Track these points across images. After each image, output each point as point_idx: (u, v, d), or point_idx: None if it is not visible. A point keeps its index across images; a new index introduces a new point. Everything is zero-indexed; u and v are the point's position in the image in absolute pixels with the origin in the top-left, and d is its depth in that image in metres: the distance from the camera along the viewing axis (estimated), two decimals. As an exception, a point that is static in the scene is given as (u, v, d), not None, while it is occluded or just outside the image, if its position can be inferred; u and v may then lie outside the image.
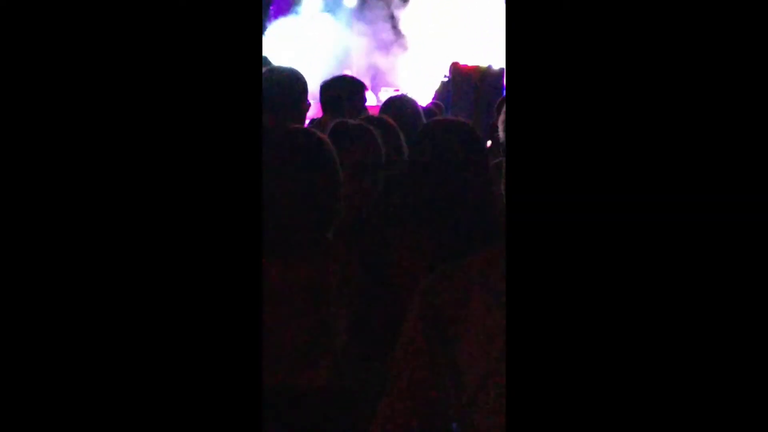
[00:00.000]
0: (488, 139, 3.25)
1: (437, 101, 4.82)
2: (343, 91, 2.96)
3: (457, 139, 1.88)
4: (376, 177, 2.04)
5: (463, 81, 5.29)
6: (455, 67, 5.79)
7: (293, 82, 2.61)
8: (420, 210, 1.90)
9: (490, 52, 9.87)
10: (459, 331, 0.97)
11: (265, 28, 9.08)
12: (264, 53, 3.09)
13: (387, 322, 1.46)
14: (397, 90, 9.94)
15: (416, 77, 10.46)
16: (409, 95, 9.16)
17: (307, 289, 1.64)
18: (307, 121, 2.85)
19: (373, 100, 9.53)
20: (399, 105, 2.94)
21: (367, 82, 9.91)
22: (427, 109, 3.75)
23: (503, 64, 8.63)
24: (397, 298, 1.59)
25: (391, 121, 2.20)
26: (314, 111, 3.56)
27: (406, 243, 1.85)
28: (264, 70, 2.47)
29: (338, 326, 1.65)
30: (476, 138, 1.93)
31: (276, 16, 9.91)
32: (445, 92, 6.12)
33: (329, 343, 1.64)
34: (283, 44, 8.88)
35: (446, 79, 6.65)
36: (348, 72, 7.43)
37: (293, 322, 1.61)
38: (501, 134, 0.98)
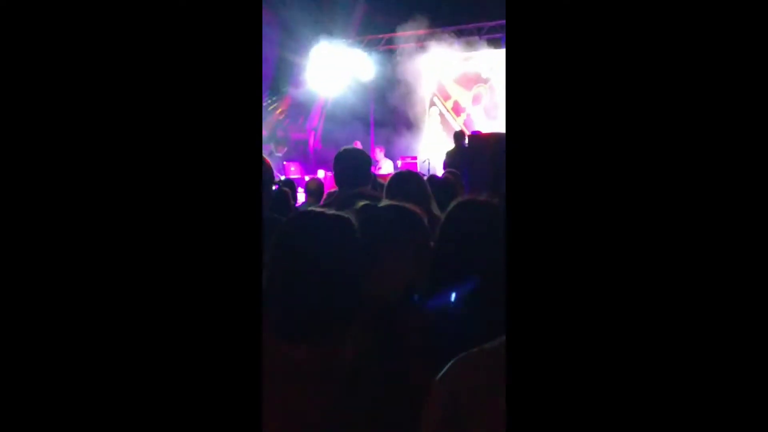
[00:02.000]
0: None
1: (453, 170, 4.81)
2: (354, 163, 2.98)
3: (483, 222, 1.83)
4: (421, 258, 2.00)
5: (481, 148, 5.29)
6: (473, 135, 5.82)
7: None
8: (443, 297, 1.84)
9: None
10: (479, 419, 0.92)
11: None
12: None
13: (400, 415, 1.38)
14: (415, 158, 10.07)
15: (437, 145, 10.60)
16: (428, 163, 9.43)
17: (317, 373, 1.57)
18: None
19: (390, 167, 9.65)
20: (406, 178, 2.96)
21: (387, 149, 10.18)
22: (444, 179, 3.74)
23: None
24: (415, 391, 1.52)
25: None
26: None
27: (427, 331, 1.78)
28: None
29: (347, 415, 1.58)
30: (497, 216, 1.88)
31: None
32: (460, 159, 6.13)
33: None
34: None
35: (464, 147, 6.69)
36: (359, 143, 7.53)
37: (299, 405, 1.54)
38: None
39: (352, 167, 2.92)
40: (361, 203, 2.10)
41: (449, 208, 1.93)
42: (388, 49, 11.01)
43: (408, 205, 2.15)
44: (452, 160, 6.75)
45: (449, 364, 1.00)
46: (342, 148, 3.12)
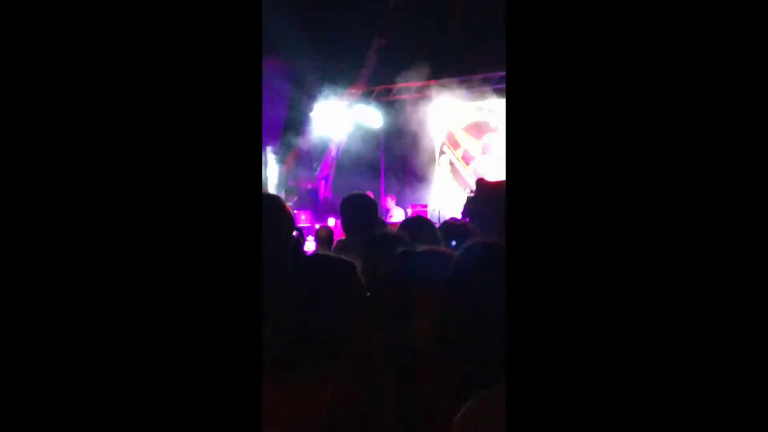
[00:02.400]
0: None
1: (465, 220, 4.82)
2: (361, 210, 2.99)
3: (490, 262, 1.82)
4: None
5: (489, 195, 5.30)
6: (481, 182, 5.84)
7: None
8: (450, 337, 1.82)
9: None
10: None
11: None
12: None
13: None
14: (425, 206, 10.10)
15: (446, 194, 10.63)
16: (437, 212, 9.44)
17: (306, 418, 1.54)
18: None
19: (401, 215, 9.68)
20: (417, 223, 2.96)
21: (397, 198, 10.23)
22: (460, 222, 3.71)
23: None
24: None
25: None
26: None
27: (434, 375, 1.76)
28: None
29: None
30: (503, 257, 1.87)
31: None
32: (472, 207, 6.15)
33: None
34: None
35: (472, 194, 6.71)
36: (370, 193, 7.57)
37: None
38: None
39: (359, 214, 2.93)
40: (401, 249, 2.11)
41: (460, 251, 1.93)
42: (396, 99, 11.16)
43: (443, 249, 2.16)
44: (469, 205, 6.76)
45: (465, 405, 1.01)
46: (347, 194, 3.13)
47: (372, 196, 3.92)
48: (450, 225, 3.24)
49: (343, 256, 1.80)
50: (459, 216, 6.62)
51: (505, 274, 1.00)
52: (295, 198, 10.35)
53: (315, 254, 1.84)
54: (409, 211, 10.00)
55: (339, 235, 5.80)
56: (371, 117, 10.91)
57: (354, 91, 11.22)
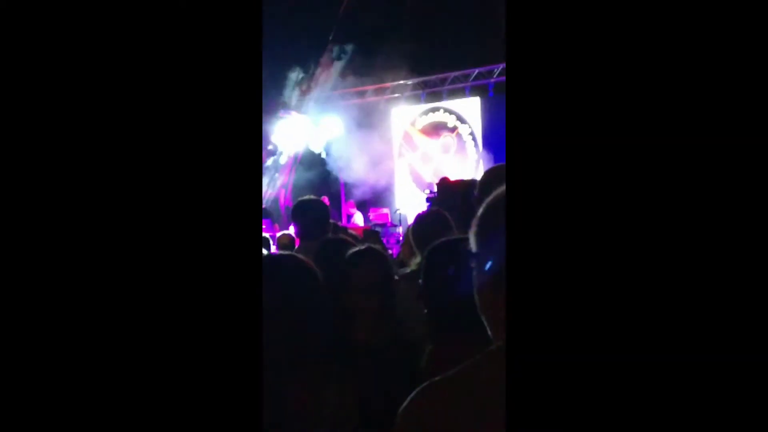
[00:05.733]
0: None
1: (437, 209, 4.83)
2: (313, 215, 2.99)
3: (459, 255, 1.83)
4: (386, 298, 2.00)
5: (450, 195, 5.32)
6: (442, 182, 5.85)
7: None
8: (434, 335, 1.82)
9: (474, 171, 10.14)
10: None
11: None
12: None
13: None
14: (386, 210, 10.11)
15: (408, 196, 10.66)
16: (398, 214, 9.45)
17: (296, 414, 1.52)
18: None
19: (361, 220, 9.66)
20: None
21: (359, 201, 10.21)
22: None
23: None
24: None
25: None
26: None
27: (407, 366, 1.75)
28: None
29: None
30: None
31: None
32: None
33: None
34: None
35: (431, 195, 6.74)
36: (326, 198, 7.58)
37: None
38: (472, 245, 1.01)
39: (311, 218, 2.93)
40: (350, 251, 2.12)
41: (429, 248, 1.93)
42: (353, 103, 11.15)
43: (374, 246, 2.16)
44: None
45: (412, 394, 0.99)
46: (299, 199, 3.10)
47: (327, 201, 3.89)
48: (423, 220, 3.15)
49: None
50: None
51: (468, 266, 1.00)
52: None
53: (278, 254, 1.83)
54: (371, 216, 10.00)
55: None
56: (329, 122, 10.88)
57: (310, 96, 11.18)
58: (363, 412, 1.64)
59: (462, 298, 1.61)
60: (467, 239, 1.63)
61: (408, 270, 2.57)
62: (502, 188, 1.00)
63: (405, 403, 0.98)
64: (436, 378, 0.99)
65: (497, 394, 0.86)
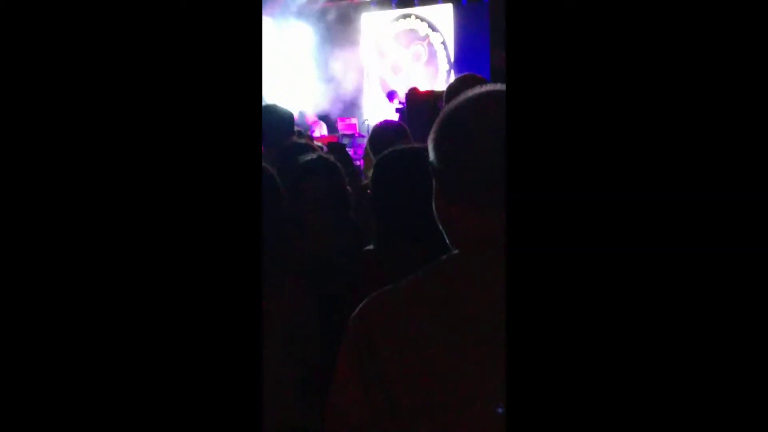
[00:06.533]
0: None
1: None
2: (273, 119, 2.97)
3: (415, 168, 1.77)
4: (341, 215, 1.96)
5: (419, 105, 5.23)
6: (411, 92, 5.72)
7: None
8: (381, 245, 1.78)
9: (445, 81, 9.97)
10: (389, 355, 0.92)
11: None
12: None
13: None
14: (354, 120, 9.96)
15: (376, 105, 10.48)
16: (366, 124, 9.32)
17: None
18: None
19: (324, 130, 9.52)
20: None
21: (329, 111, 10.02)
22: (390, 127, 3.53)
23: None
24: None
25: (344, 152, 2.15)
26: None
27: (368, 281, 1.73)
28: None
29: (286, 373, 1.54)
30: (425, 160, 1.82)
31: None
32: (405, 117, 6.07)
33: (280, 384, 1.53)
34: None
35: (401, 106, 6.63)
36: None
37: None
38: (431, 155, 0.96)
39: (273, 124, 2.89)
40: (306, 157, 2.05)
41: (378, 158, 1.87)
42: (323, 7, 10.73)
43: (325, 156, 2.10)
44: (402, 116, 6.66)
45: (362, 302, 0.99)
46: (263, 106, 3.06)
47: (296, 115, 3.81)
48: (380, 130, 3.10)
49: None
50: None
51: (427, 175, 0.96)
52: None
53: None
54: (339, 126, 9.84)
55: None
56: (298, 30, 10.50)
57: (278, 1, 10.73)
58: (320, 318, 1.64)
59: (413, 207, 1.60)
60: (420, 148, 1.58)
61: (366, 181, 2.53)
62: (465, 94, 0.95)
63: (355, 311, 0.98)
64: (386, 287, 0.98)
65: (457, 299, 0.88)
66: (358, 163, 5.56)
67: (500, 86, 0.94)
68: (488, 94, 0.94)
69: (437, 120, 0.98)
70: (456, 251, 0.96)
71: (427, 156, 0.97)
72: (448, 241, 0.98)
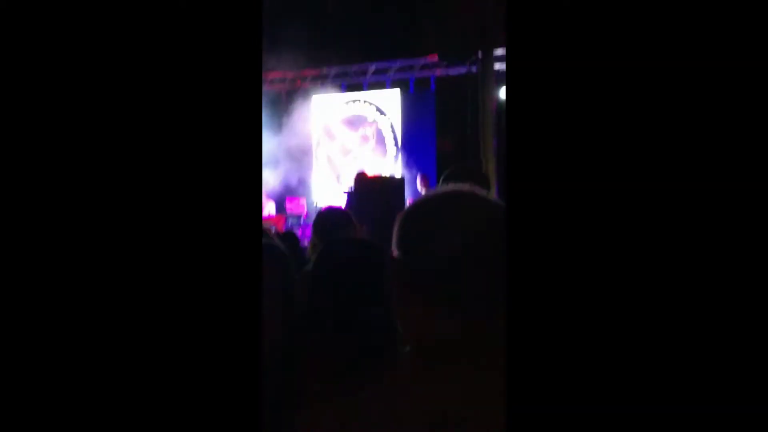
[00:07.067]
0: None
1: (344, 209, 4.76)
2: None
3: (359, 260, 1.76)
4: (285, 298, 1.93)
5: (367, 191, 5.28)
6: (360, 177, 5.79)
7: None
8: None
9: (392, 165, 10.15)
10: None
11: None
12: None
13: None
14: (302, 199, 9.98)
15: (324, 186, 10.54)
16: (317, 204, 9.34)
17: None
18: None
19: (273, 209, 9.49)
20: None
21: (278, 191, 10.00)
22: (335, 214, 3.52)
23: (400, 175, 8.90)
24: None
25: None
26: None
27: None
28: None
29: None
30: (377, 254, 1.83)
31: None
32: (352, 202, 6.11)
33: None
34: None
35: (350, 190, 6.68)
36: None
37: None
38: (394, 251, 0.96)
39: None
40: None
41: (320, 249, 1.86)
42: (272, 89, 10.90)
43: (272, 243, 2.08)
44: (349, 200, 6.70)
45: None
46: None
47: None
48: (324, 216, 3.08)
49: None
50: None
51: (372, 271, 0.95)
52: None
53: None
54: (288, 206, 9.83)
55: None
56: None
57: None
58: None
59: (357, 299, 1.58)
60: (365, 241, 1.57)
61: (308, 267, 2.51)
62: (432, 190, 0.96)
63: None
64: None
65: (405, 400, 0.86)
66: (305, 242, 5.53)
67: (467, 186, 0.96)
68: (453, 193, 0.96)
69: (401, 214, 0.98)
70: (407, 348, 0.94)
71: (370, 247, 0.97)
72: (402, 333, 0.96)
